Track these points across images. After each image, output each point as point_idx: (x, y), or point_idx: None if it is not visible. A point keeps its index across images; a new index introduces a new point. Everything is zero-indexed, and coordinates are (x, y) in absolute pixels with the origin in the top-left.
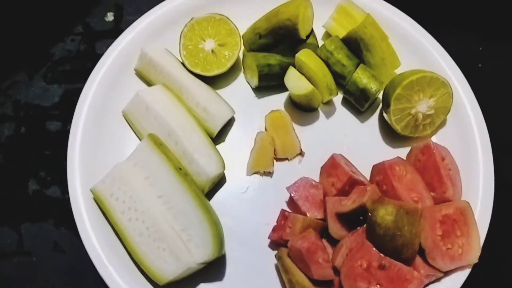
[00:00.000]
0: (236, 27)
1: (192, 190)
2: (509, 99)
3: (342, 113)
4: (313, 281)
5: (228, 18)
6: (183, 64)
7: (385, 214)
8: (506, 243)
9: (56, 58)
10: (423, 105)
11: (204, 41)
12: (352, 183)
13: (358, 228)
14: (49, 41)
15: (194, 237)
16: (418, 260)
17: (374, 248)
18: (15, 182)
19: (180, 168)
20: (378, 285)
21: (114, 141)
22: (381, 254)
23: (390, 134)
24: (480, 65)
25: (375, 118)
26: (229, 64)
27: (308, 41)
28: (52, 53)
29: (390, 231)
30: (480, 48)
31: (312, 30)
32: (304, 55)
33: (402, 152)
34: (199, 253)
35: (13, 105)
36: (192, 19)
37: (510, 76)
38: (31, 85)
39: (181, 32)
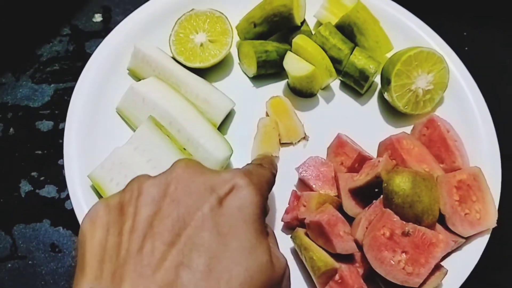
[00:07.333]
0: (231, 28)
1: None
2: (498, 76)
3: (342, 97)
4: (335, 256)
5: (227, 18)
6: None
7: (402, 182)
8: None
9: (43, 59)
10: (422, 81)
11: (197, 33)
12: (361, 160)
13: (374, 201)
14: (35, 43)
15: None
16: (439, 227)
17: (395, 215)
18: (6, 184)
19: (184, 149)
20: (403, 253)
21: (110, 137)
22: (403, 222)
23: (391, 114)
24: (466, 48)
25: (374, 100)
26: (212, 61)
27: (302, 28)
28: (39, 54)
29: (408, 198)
30: (465, 33)
31: (304, 19)
32: (301, 40)
33: (404, 131)
34: None
35: (0, 107)
36: (192, 10)
37: (495, 56)
38: (18, 86)
39: (178, 19)
